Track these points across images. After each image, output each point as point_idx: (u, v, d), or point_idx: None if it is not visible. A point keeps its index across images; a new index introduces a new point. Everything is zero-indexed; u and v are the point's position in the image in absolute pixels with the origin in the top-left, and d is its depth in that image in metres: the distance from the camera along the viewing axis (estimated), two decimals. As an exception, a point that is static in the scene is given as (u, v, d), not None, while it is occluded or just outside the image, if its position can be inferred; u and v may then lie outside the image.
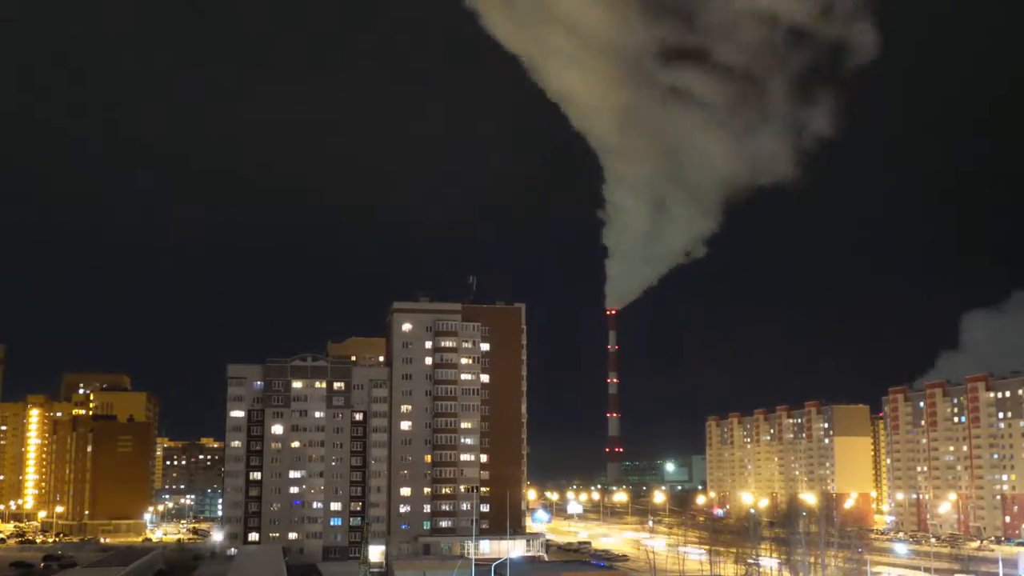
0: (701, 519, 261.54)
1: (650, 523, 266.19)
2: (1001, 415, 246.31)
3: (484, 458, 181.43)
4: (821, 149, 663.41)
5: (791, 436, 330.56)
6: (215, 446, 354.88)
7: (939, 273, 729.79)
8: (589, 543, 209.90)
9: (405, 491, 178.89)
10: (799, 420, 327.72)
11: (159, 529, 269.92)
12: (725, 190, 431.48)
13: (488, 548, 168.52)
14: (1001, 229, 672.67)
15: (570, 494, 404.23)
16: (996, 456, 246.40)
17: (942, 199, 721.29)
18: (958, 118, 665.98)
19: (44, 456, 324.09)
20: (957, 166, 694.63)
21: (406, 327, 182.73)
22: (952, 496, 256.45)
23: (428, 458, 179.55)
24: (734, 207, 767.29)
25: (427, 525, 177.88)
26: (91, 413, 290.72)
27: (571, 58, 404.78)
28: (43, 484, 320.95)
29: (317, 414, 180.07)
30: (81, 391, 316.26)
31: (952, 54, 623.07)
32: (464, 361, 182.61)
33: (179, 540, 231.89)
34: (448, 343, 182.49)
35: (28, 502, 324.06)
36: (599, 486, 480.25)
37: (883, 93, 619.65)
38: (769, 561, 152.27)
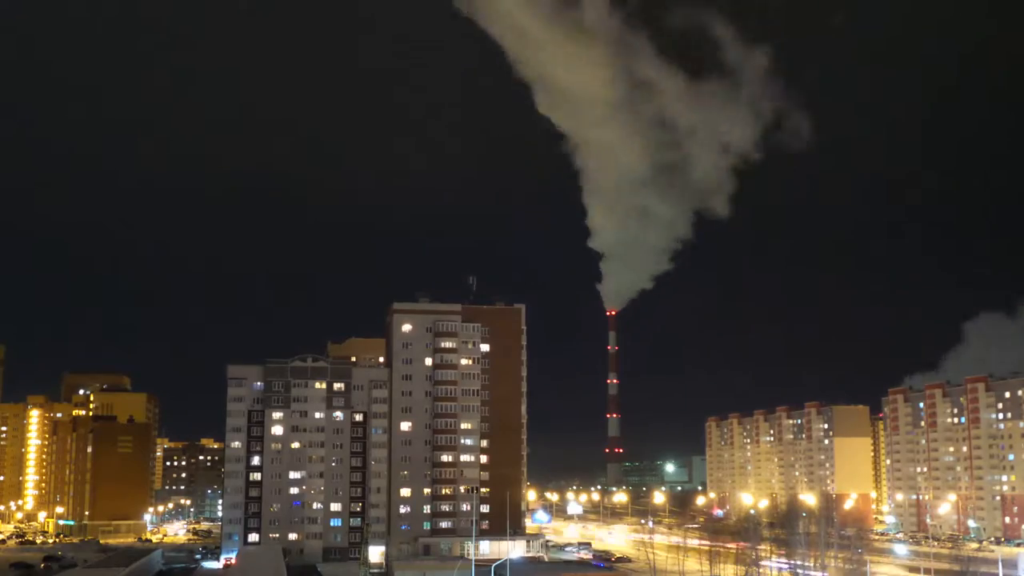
0: (701, 520, 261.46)
1: (650, 524, 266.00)
2: (1001, 415, 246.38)
3: (484, 459, 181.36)
4: (820, 147, 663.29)
5: (791, 437, 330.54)
6: (215, 446, 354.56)
7: (939, 273, 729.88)
8: (589, 544, 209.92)
9: (405, 491, 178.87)
10: (799, 421, 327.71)
11: (162, 531, 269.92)
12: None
13: (488, 549, 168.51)
14: (1001, 229, 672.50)
15: (570, 495, 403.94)
16: (996, 457, 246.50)
17: (942, 199, 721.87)
18: (958, 116, 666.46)
19: (44, 457, 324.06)
20: (957, 165, 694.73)
21: (406, 327, 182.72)
22: (952, 497, 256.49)
23: (428, 458, 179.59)
24: (732, 206, 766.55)
25: (427, 526, 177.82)
26: (91, 414, 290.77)
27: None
28: (43, 485, 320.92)
29: (317, 414, 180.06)
30: (81, 392, 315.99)
31: (953, 54, 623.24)
32: (464, 361, 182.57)
33: (188, 540, 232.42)
34: (448, 344, 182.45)
35: (28, 503, 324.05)
36: (599, 487, 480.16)
37: (884, 92, 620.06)
38: (770, 563, 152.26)
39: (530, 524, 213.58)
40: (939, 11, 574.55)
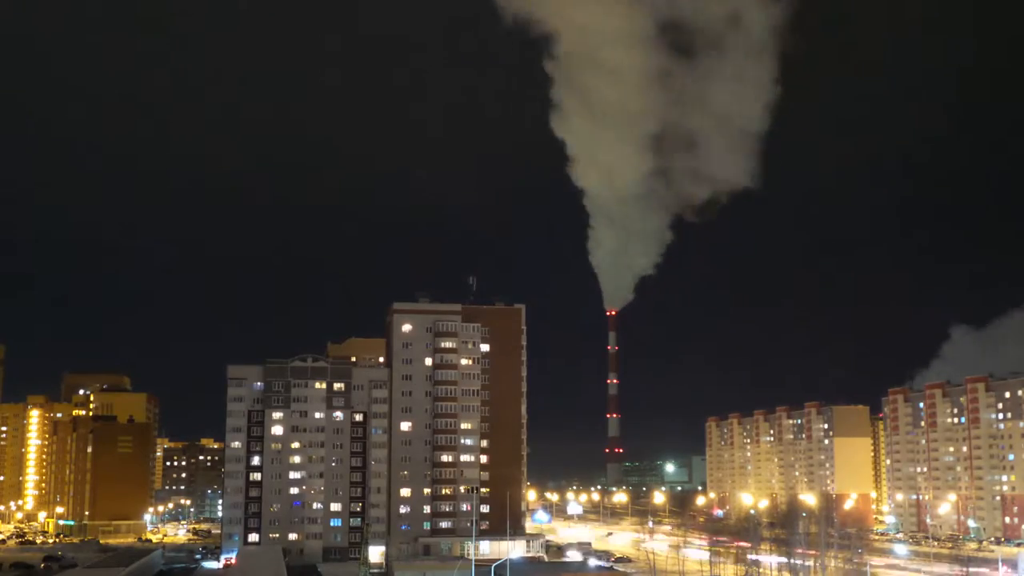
0: (701, 520, 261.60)
1: (650, 524, 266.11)
2: (1001, 415, 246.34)
3: (484, 459, 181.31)
4: (823, 146, 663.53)
5: (791, 437, 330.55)
6: (215, 446, 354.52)
7: (941, 273, 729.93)
8: (589, 544, 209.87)
9: (405, 491, 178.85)
10: (799, 421, 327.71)
11: (162, 531, 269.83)
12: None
13: (488, 549, 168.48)
14: (1001, 229, 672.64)
15: (570, 495, 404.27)
16: (996, 457, 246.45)
17: (943, 199, 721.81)
18: (958, 116, 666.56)
19: (44, 457, 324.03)
20: (958, 165, 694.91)
21: (406, 327, 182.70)
22: (952, 497, 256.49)
23: (428, 458, 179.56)
24: (732, 206, 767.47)
25: (427, 526, 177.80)
26: (91, 414, 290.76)
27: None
28: (43, 485, 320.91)
29: (317, 415, 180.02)
30: (81, 392, 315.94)
31: (948, 51, 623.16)
32: (464, 362, 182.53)
33: (188, 540, 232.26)
34: (448, 344, 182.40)
35: (28, 503, 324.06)
36: (599, 487, 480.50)
37: (890, 94, 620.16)
38: (769, 558, 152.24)
39: (530, 524, 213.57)
40: (957, 11, 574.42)
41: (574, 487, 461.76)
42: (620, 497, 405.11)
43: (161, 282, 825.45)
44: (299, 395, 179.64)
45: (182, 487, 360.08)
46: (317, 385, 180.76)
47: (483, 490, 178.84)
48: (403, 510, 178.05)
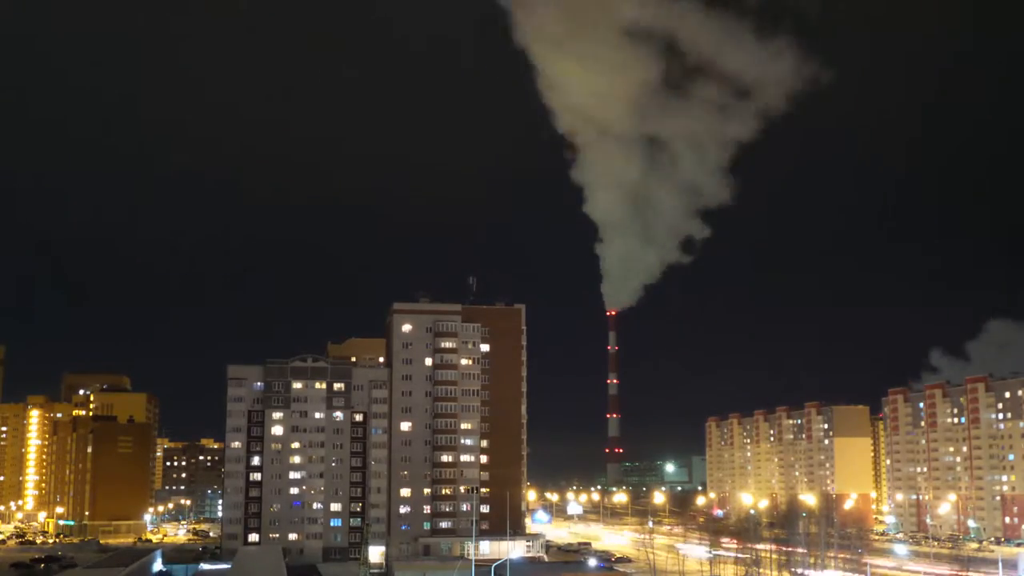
0: (701, 520, 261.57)
1: (650, 524, 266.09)
2: (1001, 415, 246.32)
3: (484, 459, 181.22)
4: (819, 147, 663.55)
5: (791, 437, 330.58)
6: (215, 446, 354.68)
7: (939, 273, 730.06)
8: (589, 544, 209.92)
9: (405, 492, 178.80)
10: (799, 421, 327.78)
11: (162, 531, 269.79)
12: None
13: (488, 549, 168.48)
14: (1001, 229, 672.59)
15: (570, 495, 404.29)
16: (996, 457, 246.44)
17: (942, 199, 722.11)
18: (956, 121, 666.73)
19: (44, 457, 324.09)
20: (957, 165, 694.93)
21: (406, 328, 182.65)
22: (952, 497, 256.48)
23: (428, 458, 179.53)
24: (732, 207, 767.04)
25: (427, 526, 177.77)
26: (91, 414, 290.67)
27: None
28: (43, 485, 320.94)
29: (317, 415, 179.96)
30: (81, 392, 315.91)
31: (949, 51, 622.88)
32: (464, 362, 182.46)
33: (188, 540, 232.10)
34: (448, 344, 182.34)
35: (28, 503, 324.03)
36: (599, 487, 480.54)
37: (885, 90, 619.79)
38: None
39: (530, 524, 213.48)
40: (933, 11, 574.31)
41: (574, 487, 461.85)
42: (620, 497, 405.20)
43: (161, 282, 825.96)
44: (299, 395, 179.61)
45: (182, 487, 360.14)
46: (317, 385, 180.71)
47: (483, 490, 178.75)
48: (403, 510, 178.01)
